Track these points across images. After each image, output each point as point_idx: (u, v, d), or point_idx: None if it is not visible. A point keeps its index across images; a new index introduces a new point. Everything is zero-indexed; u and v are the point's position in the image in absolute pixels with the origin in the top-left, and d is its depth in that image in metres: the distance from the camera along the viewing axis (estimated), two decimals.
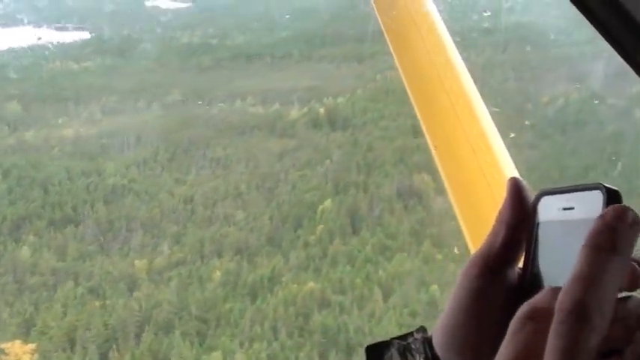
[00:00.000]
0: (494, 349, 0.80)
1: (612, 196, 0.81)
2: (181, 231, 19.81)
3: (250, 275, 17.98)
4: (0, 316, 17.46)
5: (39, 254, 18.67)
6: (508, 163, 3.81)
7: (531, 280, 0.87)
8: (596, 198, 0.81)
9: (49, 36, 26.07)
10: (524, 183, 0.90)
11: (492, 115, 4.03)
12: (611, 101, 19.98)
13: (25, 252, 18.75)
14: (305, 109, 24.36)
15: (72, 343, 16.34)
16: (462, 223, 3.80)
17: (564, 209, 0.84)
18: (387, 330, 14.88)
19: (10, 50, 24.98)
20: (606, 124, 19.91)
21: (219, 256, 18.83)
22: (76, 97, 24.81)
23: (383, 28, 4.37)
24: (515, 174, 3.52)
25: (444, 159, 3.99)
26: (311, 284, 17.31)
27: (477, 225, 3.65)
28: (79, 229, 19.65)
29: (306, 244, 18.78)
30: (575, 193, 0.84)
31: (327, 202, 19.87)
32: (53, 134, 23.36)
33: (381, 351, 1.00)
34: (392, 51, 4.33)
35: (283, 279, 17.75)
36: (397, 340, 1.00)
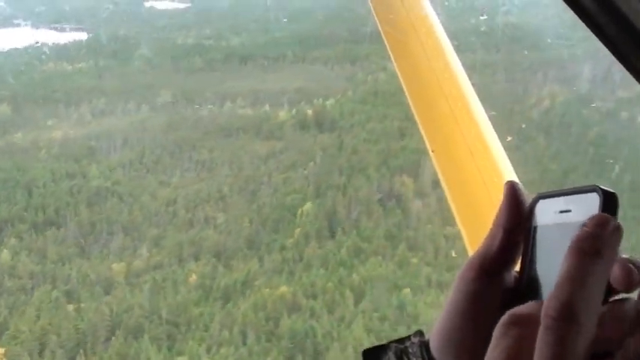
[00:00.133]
0: None
1: (609, 199, 0.81)
2: (162, 234, 19.86)
3: (224, 279, 17.97)
4: None
5: (18, 258, 18.75)
6: (506, 166, 3.79)
7: (528, 283, 0.87)
8: (593, 200, 0.81)
9: (47, 37, 26.23)
10: (522, 186, 0.90)
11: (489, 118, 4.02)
12: (598, 104, 19.83)
13: (5, 255, 18.85)
14: (293, 111, 24.34)
15: (42, 347, 16.40)
16: (460, 226, 3.79)
17: (561, 212, 0.85)
18: (355, 335, 14.86)
19: (6, 52, 25.17)
20: (591, 127, 19.76)
21: (197, 259, 18.85)
22: (67, 99, 24.94)
23: (381, 31, 4.36)
24: (514, 177, 3.55)
25: (442, 162, 3.97)
26: (283, 288, 17.27)
27: (475, 228, 3.64)
28: (61, 231, 19.74)
29: (283, 248, 18.75)
30: (571, 196, 0.84)
31: (308, 205, 19.82)
32: (42, 136, 23.48)
33: (378, 355, 0.98)
34: (390, 55, 4.33)
35: (256, 283, 17.72)
36: (394, 344, 0.99)
